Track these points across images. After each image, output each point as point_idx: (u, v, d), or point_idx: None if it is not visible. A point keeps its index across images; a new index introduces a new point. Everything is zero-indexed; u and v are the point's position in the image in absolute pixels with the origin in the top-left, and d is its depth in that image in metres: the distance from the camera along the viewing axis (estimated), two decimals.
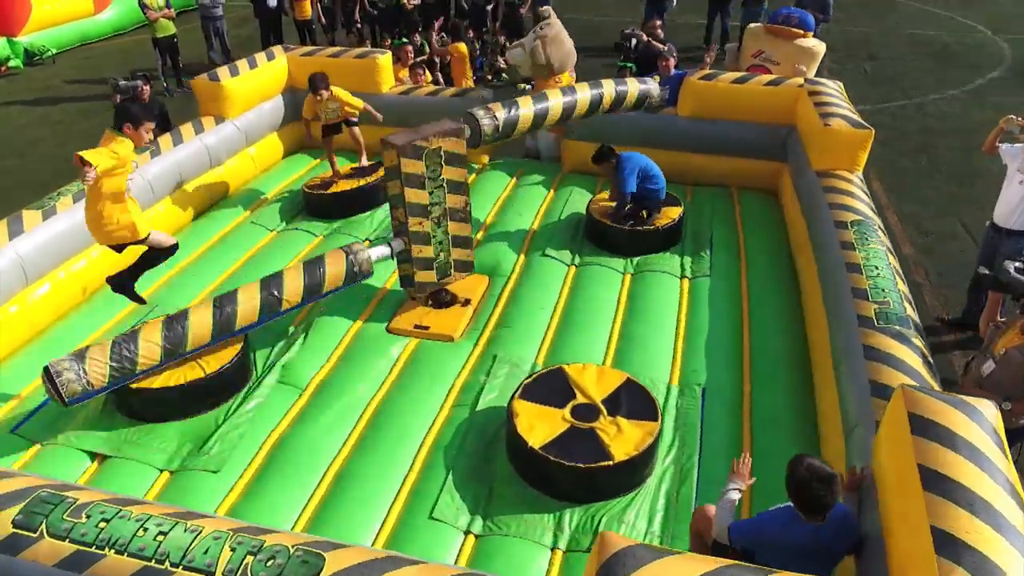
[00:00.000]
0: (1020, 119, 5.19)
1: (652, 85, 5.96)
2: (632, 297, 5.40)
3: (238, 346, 4.50)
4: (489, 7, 12.41)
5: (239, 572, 2.51)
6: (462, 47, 8.61)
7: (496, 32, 12.47)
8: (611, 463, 3.63)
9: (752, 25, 8.45)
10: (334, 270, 4.75)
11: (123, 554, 2.70)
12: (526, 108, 5.19)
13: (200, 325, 4.31)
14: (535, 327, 5.07)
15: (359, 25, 12.94)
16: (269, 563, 2.50)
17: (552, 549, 3.54)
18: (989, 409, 2.78)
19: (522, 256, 5.90)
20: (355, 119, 6.72)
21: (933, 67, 12.82)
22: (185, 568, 2.57)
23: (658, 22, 8.66)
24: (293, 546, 2.56)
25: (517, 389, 4.11)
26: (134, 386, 4.21)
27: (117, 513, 2.79)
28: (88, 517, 2.84)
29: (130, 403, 4.28)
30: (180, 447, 4.12)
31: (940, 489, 2.50)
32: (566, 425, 3.88)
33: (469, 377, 4.65)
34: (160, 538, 2.65)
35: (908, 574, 2.49)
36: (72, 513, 2.86)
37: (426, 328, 5.10)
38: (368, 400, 4.46)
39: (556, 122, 5.56)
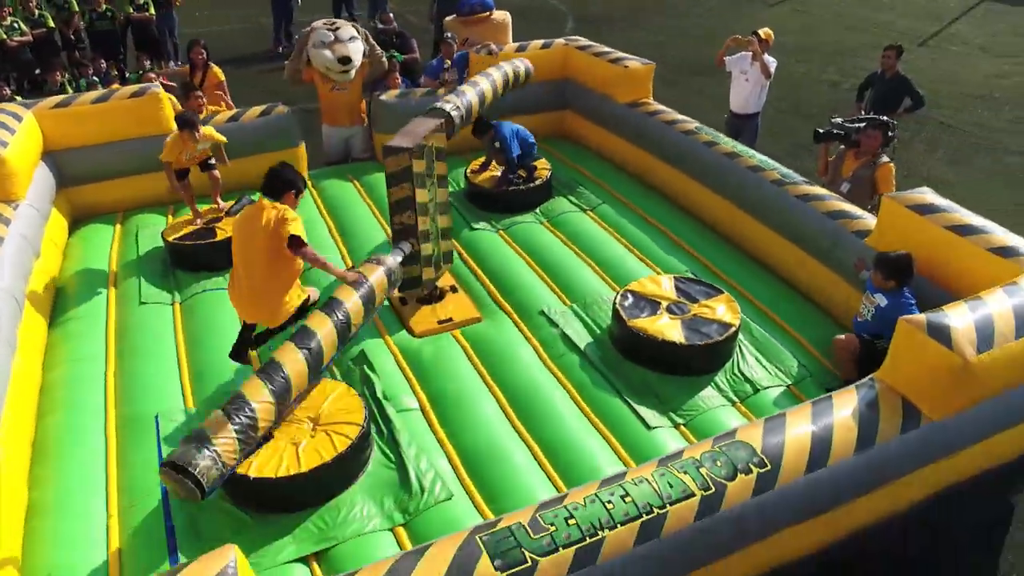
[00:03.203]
0: (742, 36, 7.47)
1: (524, 63, 6.47)
2: (571, 236, 6.27)
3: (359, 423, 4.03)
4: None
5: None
6: (218, 70, 7.83)
7: (141, 60, 11.12)
8: (734, 328, 4.69)
9: (447, 20, 9.53)
10: (379, 283, 4.61)
11: (611, 528, 2.92)
12: (471, 94, 5.55)
13: (297, 370, 3.91)
14: (535, 283, 5.63)
15: None
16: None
17: (734, 403, 4.48)
18: None
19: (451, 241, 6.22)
20: (212, 160, 5.98)
21: (524, 27, 15.59)
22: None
23: (390, 15, 9.14)
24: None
25: (621, 319, 4.77)
26: (277, 475, 3.67)
27: (558, 513, 2.96)
28: (550, 524, 2.90)
29: (287, 498, 3.72)
30: (381, 505, 3.80)
31: None
32: (677, 322, 4.76)
33: (538, 335, 5.08)
34: (610, 504, 3.00)
35: None
36: (533, 531, 2.88)
37: (450, 320, 5.26)
38: (490, 390, 4.60)
39: (488, 104, 5.87)
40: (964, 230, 4.41)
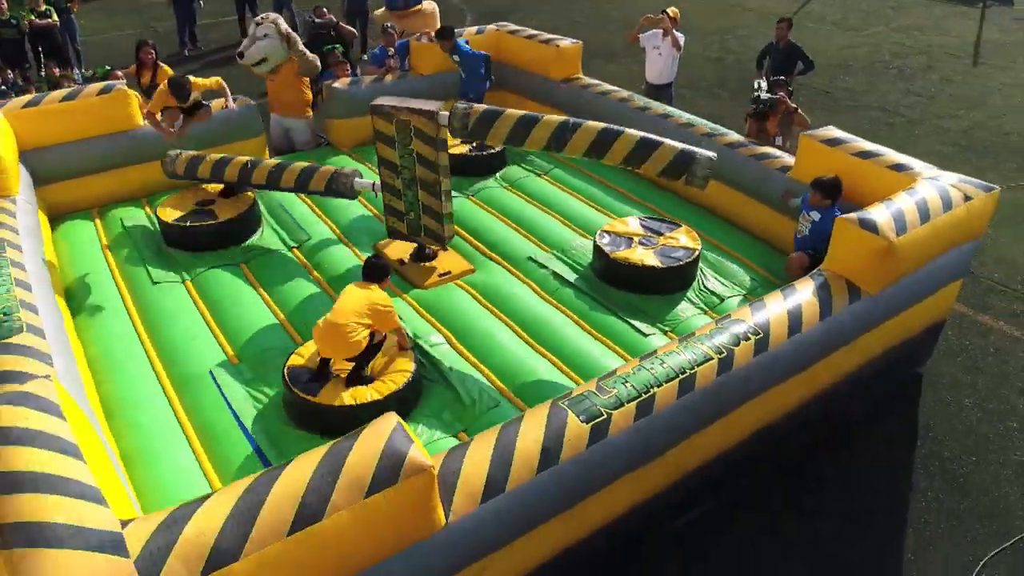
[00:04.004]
0: (654, 16, 8.47)
1: (702, 152, 4.87)
2: (534, 196, 7.04)
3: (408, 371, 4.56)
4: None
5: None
6: (167, 69, 7.92)
7: (49, 68, 10.88)
8: (697, 251, 5.62)
9: (378, 12, 10.05)
10: (320, 177, 5.98)
11: (658, 386, 3.73)
12: (508, 113, 5.03)
13: (232, 170, 6.10)
14: (515, 237, 6.36)
15: None
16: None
17: (705, 312, 5.41)
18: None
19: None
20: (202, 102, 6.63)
21: (452, 23, 16.18)
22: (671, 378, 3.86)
23: (324, 9, 9.49)
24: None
25: (604, 254, 5.58)
26: (357, 403, 4.24)
27: (616, 381, 3.72)
28: (612, 388, 3.67)
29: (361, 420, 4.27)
30: (441, 419, 4.42)
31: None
32: (650, 251, 5.63)
33: (531, 277, 5.81)
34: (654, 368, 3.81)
35: None
36: (601, 394, 3.63)
37: (449, 273, 5.90)
38: (503, 322, 5.30)
39: (541, 146, 4.96)
40: (866, 155, 5.54)
